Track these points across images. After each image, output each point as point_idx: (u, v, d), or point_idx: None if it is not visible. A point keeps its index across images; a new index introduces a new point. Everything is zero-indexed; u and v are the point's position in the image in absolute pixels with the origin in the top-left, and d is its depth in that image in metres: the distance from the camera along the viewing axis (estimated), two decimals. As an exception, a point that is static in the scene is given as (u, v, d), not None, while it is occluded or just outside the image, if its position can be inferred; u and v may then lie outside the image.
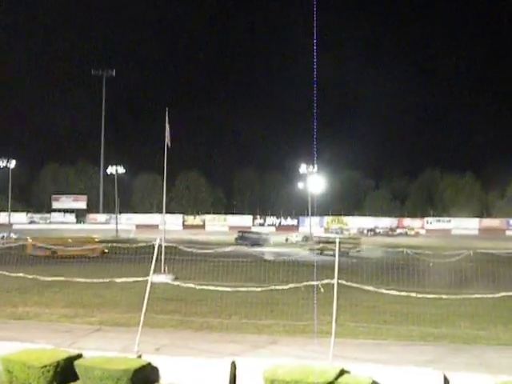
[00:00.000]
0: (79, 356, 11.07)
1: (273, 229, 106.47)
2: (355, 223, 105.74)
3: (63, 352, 11.06)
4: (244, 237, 59.92)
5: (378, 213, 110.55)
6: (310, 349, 12.34)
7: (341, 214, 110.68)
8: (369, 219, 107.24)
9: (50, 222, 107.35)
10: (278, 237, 72.52)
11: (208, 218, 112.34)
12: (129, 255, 32.73)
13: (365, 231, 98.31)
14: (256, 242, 56.64)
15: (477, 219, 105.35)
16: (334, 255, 12.60)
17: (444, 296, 13.43)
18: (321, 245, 47.00)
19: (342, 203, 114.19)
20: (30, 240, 40.63)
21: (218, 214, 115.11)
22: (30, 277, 15.23)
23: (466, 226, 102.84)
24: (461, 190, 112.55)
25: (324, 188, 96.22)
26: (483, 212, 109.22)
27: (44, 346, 11.59)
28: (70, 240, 41.96)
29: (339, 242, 50.06)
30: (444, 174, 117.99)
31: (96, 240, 44.43)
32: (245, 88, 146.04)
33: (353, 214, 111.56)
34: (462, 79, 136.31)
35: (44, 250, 35.99)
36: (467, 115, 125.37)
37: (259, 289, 14.54)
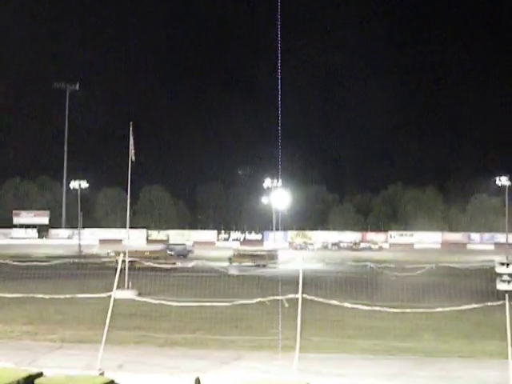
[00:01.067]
0: (40, 375, 10.82)
1: (237, 243, 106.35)
2: (319, 237, 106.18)
3: (23, 371, 10.82)
4: (170, 248, 63.82)
5: (342, 227, 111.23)
6: (275, 364, 12.32)
7: (305, 229, 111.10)
8: (333, 233, 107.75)
9: (11, 238, 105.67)
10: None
11: (172, 232, 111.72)
12: (92, 270, 32.36)
13: (329, 245, 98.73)
14: (181, 253, 60.83)
15: (439, 233, 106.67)
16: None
17: (407, 310, 13.56)
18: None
19: (307, 217, 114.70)
20: (112, 254, 44.41)
21: (182, 229, 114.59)
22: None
23: (428, 239, 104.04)
24: (423, 205, 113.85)
25: (288, 203, 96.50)
26: (445, 226, 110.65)
27: (3, 364, 11.35)
28: (146, 253, 45.89)
29: (256, 256, 51.31)
30: (407, 189, 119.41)
31: (169, 254, 49.77)
32: (209, 103, 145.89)
33: (317, 229, 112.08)
34: (425, 94, 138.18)
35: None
36: (429, 130, 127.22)
37: (223, 304, 14.48)
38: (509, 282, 10.27)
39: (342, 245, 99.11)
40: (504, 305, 11.14)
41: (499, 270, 10.58)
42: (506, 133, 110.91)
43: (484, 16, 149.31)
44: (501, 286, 10.64)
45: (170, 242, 78.37)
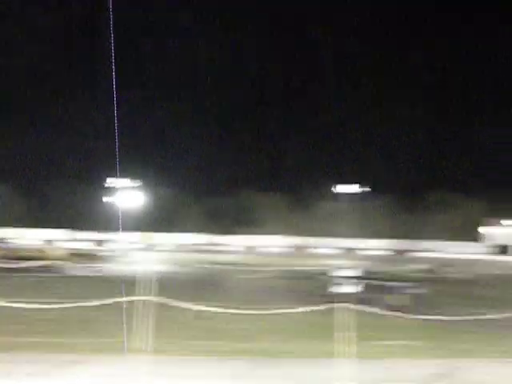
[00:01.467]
0: None
1: (87, 243, 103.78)
2: (170, 239, 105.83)
3: None
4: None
5: (194, 229, 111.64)
6: (120, 367, 12.19)
7: (156, 230, 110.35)
8: (185, 235, 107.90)
9: None
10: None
11: (20, 232, 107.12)
12: None
13: (179, 247, 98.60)
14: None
15: (284, 237, 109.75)
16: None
17: (251, 312, 13.91)
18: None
19: (159, 219, 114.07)
20: None
21: (31, 228, 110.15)
22: None
23: (273, 243, 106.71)
24: (273, 209, 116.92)
25: (141, 203, 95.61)
26: (294, 231, 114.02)
27: None
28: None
29: (94, 256, 51.20)
30: (259, 193, 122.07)
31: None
32: (63, 93, 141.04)
33: (168, 231, 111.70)
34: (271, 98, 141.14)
35: None
36: (283, 135, 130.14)
37: (68, 305, 14.14)
38: (341, 285, 10.88)
39: (192, 247, 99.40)
40: (341, 306, 11.75)
41: (334, 273, 11.17)
42: (365, 140, 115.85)
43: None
44: (334, 289, 11.23)
45: (9, 241, 75.18)
